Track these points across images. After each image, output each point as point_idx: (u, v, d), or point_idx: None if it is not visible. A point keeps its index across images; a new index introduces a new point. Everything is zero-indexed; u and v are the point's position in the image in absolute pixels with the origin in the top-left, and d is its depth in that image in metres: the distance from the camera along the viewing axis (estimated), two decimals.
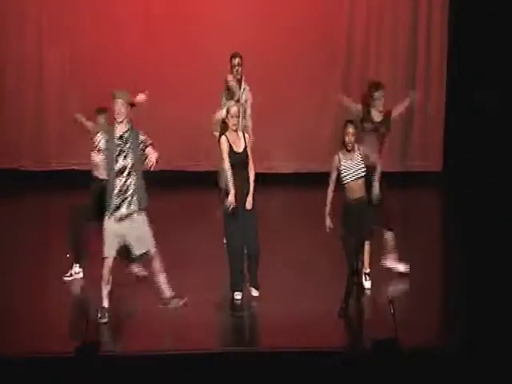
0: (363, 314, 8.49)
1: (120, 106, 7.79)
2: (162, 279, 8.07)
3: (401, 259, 9.16)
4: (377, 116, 8.84)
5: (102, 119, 8.61)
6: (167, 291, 8.04)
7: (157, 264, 8.02)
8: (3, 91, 12.91)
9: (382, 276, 9.00)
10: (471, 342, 7.61)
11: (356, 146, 8.06)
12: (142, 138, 7.83)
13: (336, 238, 8.27)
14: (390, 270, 9.25)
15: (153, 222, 8.26)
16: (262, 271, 8.75)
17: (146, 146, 7.82)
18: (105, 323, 7.85)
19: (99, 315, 7.82)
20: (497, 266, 9.56)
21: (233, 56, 9.99)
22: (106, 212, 7.83)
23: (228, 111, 8.34)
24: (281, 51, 12.88)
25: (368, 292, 8.95)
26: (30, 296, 8.59)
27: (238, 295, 8.56)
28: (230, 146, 8.28)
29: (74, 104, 11.53)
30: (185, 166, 12.76)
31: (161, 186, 10.57)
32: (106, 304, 7.90)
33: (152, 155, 7.76)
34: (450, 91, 13.43)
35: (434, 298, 9.31)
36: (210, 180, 10.00)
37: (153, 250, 8.00)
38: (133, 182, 7.84)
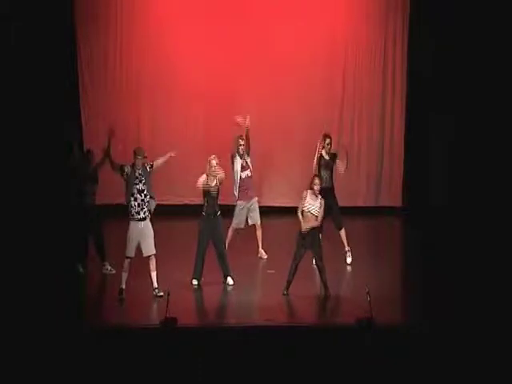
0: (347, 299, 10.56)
1: (139, 161, 10.51)
2: (153, 275, 10.60)
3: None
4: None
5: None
6: (155, 283, 10.53)
7: (153, 263, 10.60)
8: None
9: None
10: (425, 322, 9.48)
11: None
12: (148, 166, 10.52)
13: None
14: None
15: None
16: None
17: (152, 164, 10.53)
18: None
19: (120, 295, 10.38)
20: (447, 270, 11.47)
21: (240, 138, 12.13)
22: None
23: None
24: (285, 119, 15.35)
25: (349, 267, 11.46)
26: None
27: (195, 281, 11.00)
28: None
29: None
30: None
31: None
32: (123, 285, 10.46)
33: (162, 158, 10.64)
34: (407, 145, 15.54)
35: (398, 290, 11.37)
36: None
37: (152, 253, 10.59)
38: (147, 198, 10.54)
